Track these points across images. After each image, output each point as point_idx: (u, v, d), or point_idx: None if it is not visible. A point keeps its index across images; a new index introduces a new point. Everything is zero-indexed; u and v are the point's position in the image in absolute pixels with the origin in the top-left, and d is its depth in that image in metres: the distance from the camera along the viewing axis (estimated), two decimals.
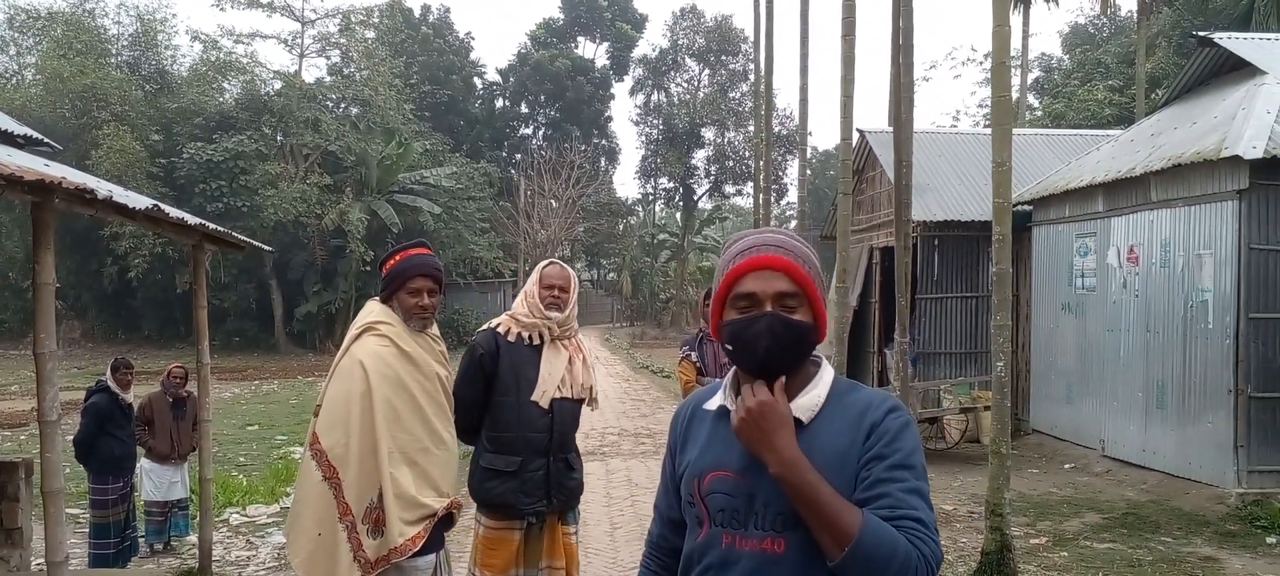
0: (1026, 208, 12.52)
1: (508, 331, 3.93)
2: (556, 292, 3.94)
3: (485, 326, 4.07)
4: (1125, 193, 10.45)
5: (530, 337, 3.92)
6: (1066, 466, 11.01)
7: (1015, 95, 27.04)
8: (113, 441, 6.99)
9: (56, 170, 4.07)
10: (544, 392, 3.86)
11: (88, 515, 7.32)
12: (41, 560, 5.26)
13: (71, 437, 7.03)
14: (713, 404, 1.87)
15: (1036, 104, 31.84)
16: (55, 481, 4.03)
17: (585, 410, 4.18)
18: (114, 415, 7.00)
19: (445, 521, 3.46)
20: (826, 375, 1.80)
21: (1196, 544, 7.69)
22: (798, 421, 1.73)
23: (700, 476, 1.80)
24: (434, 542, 3.40)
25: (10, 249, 29.26)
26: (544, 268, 4.06)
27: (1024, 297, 13.08)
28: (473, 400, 3.92)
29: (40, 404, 4.00)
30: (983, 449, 10.96)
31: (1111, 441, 10.62)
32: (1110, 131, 16.03)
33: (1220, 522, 8.23)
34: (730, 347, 1.76)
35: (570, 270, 4.10)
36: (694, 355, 5.65)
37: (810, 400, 1.76)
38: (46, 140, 7.50)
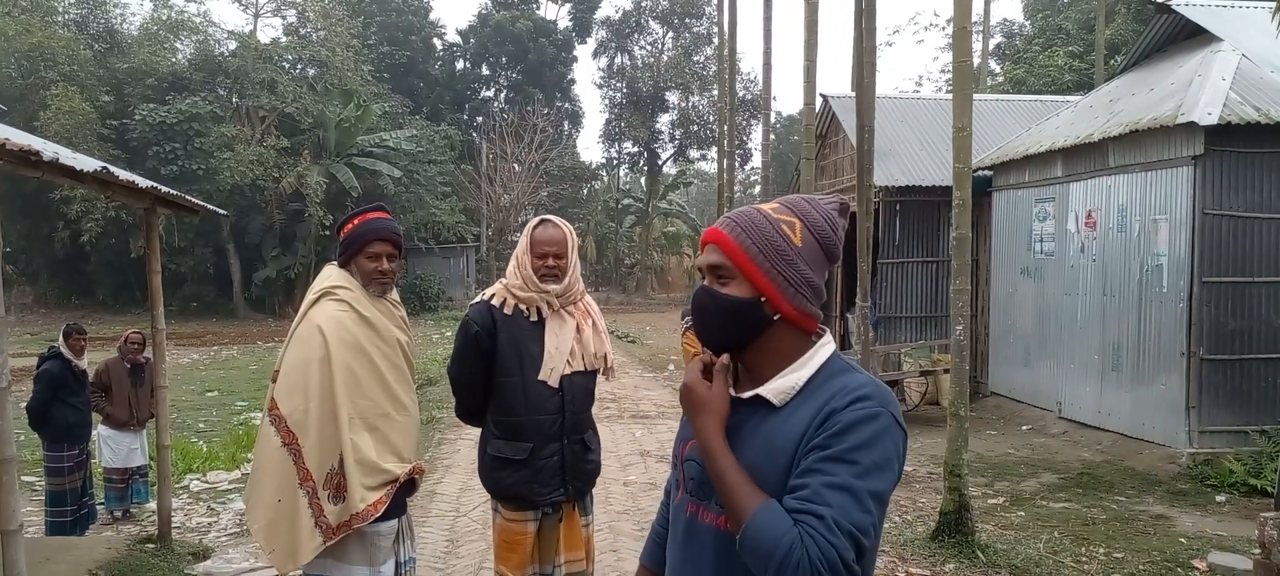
0: (987, 173, 12.63)
1: (504, 303, 3.48)
2: (551, 261, 3.44)
3: (477, 298, 3.63)
4: (1084, 158, 10.57)
5: (528, 311, 3.48)
6: (1024, 428, 11.21)
7: (976, 60, 27.16)
8: (66, 408, 6.87)
9: (0, 131, 3.95)
10: (552, 370, 3.45)
11: (43, 483, 7.21)
12: None
13: (24, 405, 6.90)
14: None
15: (998, 69, 32.06)
16: (7, 449, 3.94)
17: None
18: (67, 382, 6.88)
19: (407, 487, 3.44)
20: (819, 356, 1.71)
21: (1149, 502, 7.88)
22: (768, 404, 1.68)
23: (683, 443, 1.85)
24: (396, 508, 3.37)
25: None
26: (534, 230, 3.49)
27: (984, 262, 13.24)
28: (471, 381, 3.55)
29: None
30: (942, 411, 11.12)
31: (1068, 403, 10.82)
32: (1070, 97, 16.18)
33: (1172, 481, 8.44)
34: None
35: (566, 227, 3.55)
36: None
37: (786, 383, 1.68)
38: None
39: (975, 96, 16.56)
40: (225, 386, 15.56)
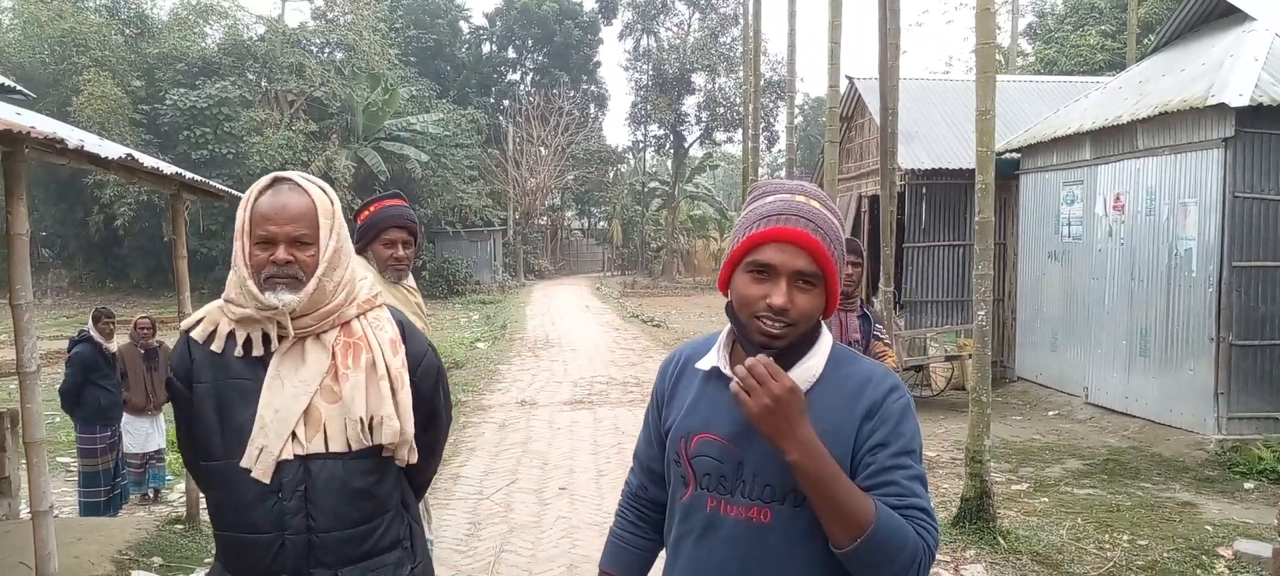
0: (1014, 155, 12.51)
1: (212, 332, 2.02)
2: (281, 254, 1.95)
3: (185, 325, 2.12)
4: (1112, 140, 10.43)
5: (244, 342, 2.00)
6: (1050, 413, 11.13)
7: (1007, 41, 26.83)
8: (99, 391, 7.00)
9: (28, 118, 4.02)
10: (261, 450, 1.94)
11: (77, 465, 7.35)
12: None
13: (58, 388, 7.04)
14: (704, 364, 1.82)
15: (1029, 49, 31.63)
16: (36, 431, 4.03)
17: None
18: (98, 365, 7.01)
19: None
20: (825, 343, 1.75)
21: (1175, 489, 7.80)
22: None
23: (687, 437, 1.78)
24: None
25: None
26: (257, 197, 2.00)
27: (1011, 246, 13.13)
28: (190, 461, 2.16)
29: (19, 355, 3.99)
30: (967, 397, 11.05)
31: (1095, 388, 10.72)
32: (1100, 78, 15.96)
33: (1199, 468, 8.35)
34: (741, 323, 1.71)
35: (317, 192, 2.03)
36: None
37: (807, 370, 1.71)
38: (20, 88, 7.39)
39: (1004, 78, 16.34)
40: None
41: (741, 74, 36.82)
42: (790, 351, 1.71)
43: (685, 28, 44.90)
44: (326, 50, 32.93)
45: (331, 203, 2.03)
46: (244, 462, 1.95)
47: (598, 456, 8.73)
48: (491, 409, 11.23)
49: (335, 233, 2.01)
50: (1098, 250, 10.73)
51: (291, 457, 1.95)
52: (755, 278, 1.68)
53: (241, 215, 1.98)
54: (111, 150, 4.37)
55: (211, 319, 2.03)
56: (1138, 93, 10.41)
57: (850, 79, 15.33)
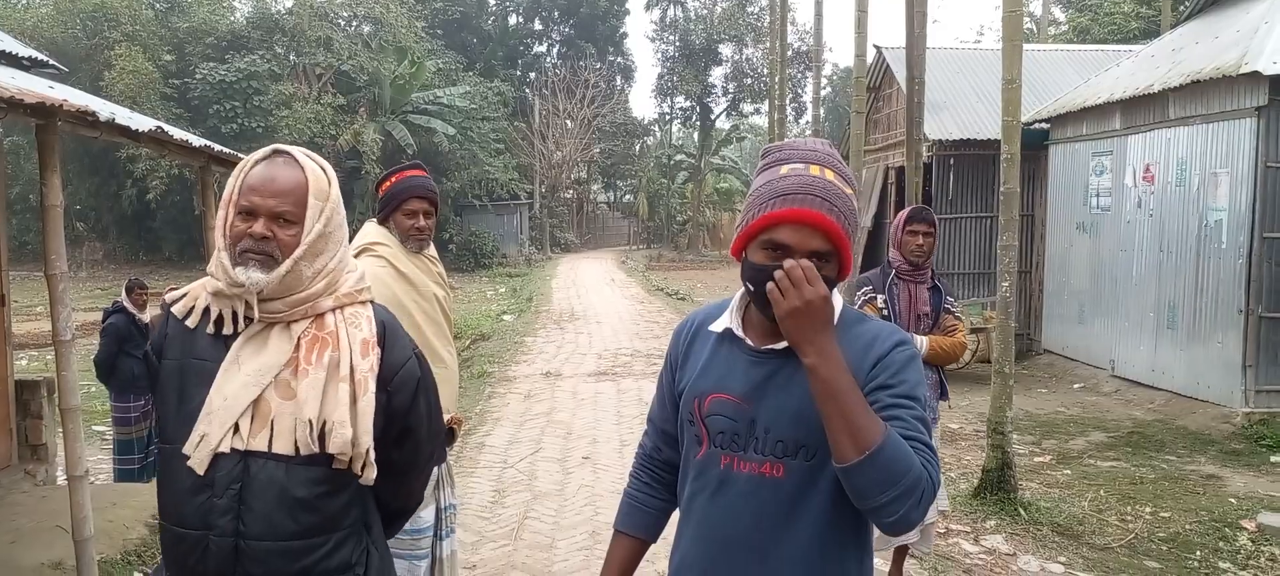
0: (1044, 126, 12.37)
1: (190, 309, 1.91)
2: (258, 228, 1.82)
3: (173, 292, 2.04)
4: (1143, 110, 10.29)
5: (216, 319, 1.87)
6: (1076, 386, 11.07)
7: (1038, 9, 26.44)
8: (132, 361, 7.14)
9: (60, 92, 4.10)
10: (203, 437, 1.80)
11: (112, 433, 7.52)
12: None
13: (93, 358, 7.20)
14: (717, 326, 1.87)
15: (1062, 17, 31.11)
16: (71, 399, 4.14)
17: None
18: (132, 335, 7.15)
19: (446, 437, 3.54)
20: (837, 304, 1.79)
21: (1200, 462, 7.76)
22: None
23: (701, 397, 1.82)
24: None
25: (31, 171, 29.46)
26: (249, 168, 1.87)
27: (1039, 217, 13.02)
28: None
29: (54, 325, 4.09)
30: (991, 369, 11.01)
31: (1121, 361, 10.64)
32: (1133, 47, 15.70)
33: (1225, 441, 8.29)
34: (752, 288, 1.73)
35: (311, 168, 1.88)
36: (880, 299, 4.54)
37: None
38: (52, 62, 7.49)
39: (1035, 47, 16.13)
40: None
41: (769, 44, 36.59)
42: None
43: None
44: (354, 23, 33.09)
45: (328, 183, 1.88)
46: (185, 448, 1.80)
47: (621, 426, 8.81)
48: (517, 380, 11.34)
49: (325, 216, 1.85)
50: (1126, 221, 10.62)
51: (229, 451, 1.78)
52: (770, 256, 1.70)
53: (231, 182, 1.85)
54: (141, 123, 4.45)
55: (193, 293, 1.92)
56: (1170, 61, 10.25)
57: (878, 48, 15.20)
